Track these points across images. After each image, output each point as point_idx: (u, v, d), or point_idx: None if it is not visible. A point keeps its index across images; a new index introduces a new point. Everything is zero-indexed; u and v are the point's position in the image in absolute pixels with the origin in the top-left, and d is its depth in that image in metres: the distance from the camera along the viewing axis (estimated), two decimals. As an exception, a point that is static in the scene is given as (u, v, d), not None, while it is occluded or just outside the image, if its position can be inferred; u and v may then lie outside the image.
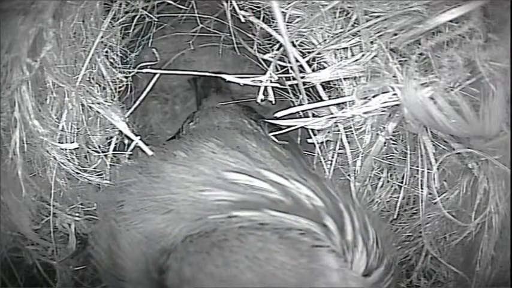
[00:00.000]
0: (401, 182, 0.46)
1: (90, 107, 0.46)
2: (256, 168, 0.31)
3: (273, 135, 0.47)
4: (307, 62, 0.44)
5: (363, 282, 0.27)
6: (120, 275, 0.30)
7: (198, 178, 0.30)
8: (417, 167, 0.43)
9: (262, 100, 0.47)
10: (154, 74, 0.52)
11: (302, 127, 0.46)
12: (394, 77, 0.39)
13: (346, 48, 0.43)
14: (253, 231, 0.26)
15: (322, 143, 0.48)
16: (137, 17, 0.51)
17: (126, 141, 0.50)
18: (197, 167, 0.31)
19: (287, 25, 0.42)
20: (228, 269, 0.24)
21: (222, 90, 0.62)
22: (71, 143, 0.45)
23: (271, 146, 0.38)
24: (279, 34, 0.42)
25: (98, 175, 0.47)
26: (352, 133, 0.44)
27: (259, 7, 0.44)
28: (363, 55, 0.41)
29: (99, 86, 0.48)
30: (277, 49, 0.45)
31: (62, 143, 0.44)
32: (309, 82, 0.43)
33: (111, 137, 0.50)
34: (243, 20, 0.46)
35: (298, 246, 0.25)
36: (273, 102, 0.47)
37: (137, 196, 0.32)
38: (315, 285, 0.24)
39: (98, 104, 0.47)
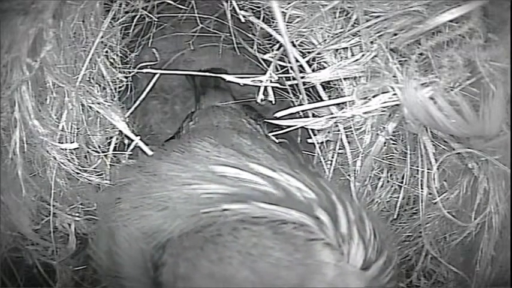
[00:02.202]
0: (401, 182, 0.46)
1: (90, 107, 0.46)
2: (246, 162, 0.30)
3: (272, 135, 0.47)
4: (307, 62, 0.44)
5: (362, 276, 0.26)
6: (119, 273, 0.30)
7: (190, 174, 0.30)
8: (417, 167, 0.43)
9: (262, 100, 0.47)
10: (154, 74, 0.52)
11: (302, 127, 0.46)
12: (394, 77, 0.39)
13: (346, 48, 0.43)
14: (247, 225, 0.25)
15: (322, 143, 0.48)
16: (137, 17, 0.51)
17: (126, 141, 0.50)
18: (190, 164, 0.31)
19: (287, 25, 0.42)
20: (222, 265, 0.24)
21: (220, 88, 0.62)
22: (71, 143, 0.45)
23: (267, 144, 0.38)
24: (279, 34, 0.42)
25: (98, 175, 0.47)
26: (352, 133, 0.44)
27: (259, 7, 0.44)
28: (363, 55, 0.41)
29: (99, 86, 0.48)
30: (277, 49, 0.45)
31: (62, 143, 0.44)
32: (309, 82, 0.43)
33: (111, 137, 0.50)
34: (243, 20, 0.46)
35: (293, 241, 0.25)
36: (273, 102, 0.47)
37: (135, 194, 0.32)
38: (311, 282, 0.24)
39: (98, 104, 0.47)
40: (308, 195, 0.28)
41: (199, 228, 0.26)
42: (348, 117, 0.43)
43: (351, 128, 0.44)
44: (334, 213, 0.27)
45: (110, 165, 0.49)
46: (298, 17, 0.43)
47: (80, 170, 0.45)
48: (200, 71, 0.55)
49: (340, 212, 0.28)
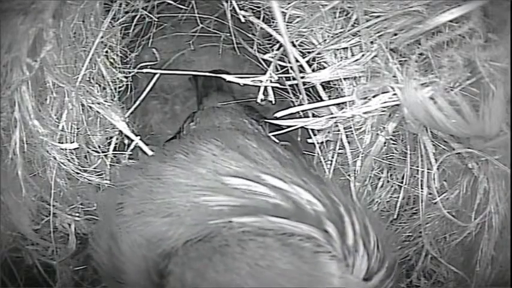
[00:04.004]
0: (401, 182, 0.46)
1: (90, 107, 0.46)
2: (257, 172, 0.30)
3: (273, 135, 0.47)
4: (307, 62, 0.44)
5: (364, 286, 0.27)
6: (121, 278, 0.30)
7: (198, 182, 0.30)
8: (417, 167, 0.43)
9: (262, 100, 0.47)
10: (154, 74, 0.52)
11: (302, 127, 0.46)
12: (394, 77, 0.39)
13: (346, 48, 0.43)
14: (255, 237, 0.25)
15: (322, 143, 0.48)
16: (137, 17, 0.51)
17: (126, 141, 0.50)
18: (197, 170, 0.31)
19: (287, 25, 0.42)
20: (230, 276, 0.24)
21: (223, 89, 0.62)
22: (71, 143, 0.45)
23: (273, 147, 0.38)
24: (279, 34, 0.42)
25: (98, 175, 0.47)
26: (352, 133, 0.44)
27: (259, 7, 0.44)
28: (363, 55, 0.41)
29: (99, 86, 0.48)
30: (277, 49, 0.45)
31: (62, 143, 0.44)
32: (309, 82, 0.43)
33: (111, 137, 0.50)
34: (243, 20, 0.46)
35: (300, 253, 0.25)
36: (273, 102, 0.47)
37: (137, 199, 0.32)
38: None
39: (98, 104, 0.47)
40: (317, 208, 0.28)
41: (205, 238, 0.26)
42: (348, 117, 0.43)
43: (351, 128, 0.44)
44: (342, 226, 0.28)
45: (110, 165, 0.49)
46: (298, 17, 0.43)
47: (80, 170, 0.45)
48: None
49: (347, 224, 0.28)
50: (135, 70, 0.51)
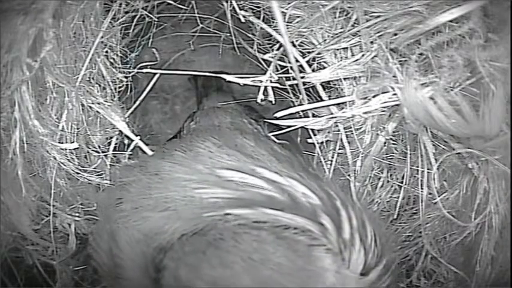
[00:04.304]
0: (401, 182, 0.46)
1: (90, 107, 0.46)
2: (252, 166, 0.30)
3: (273, 135, 0.47)
4: (307, 62, 0.44)
5: (361, 281, 0.26)
6: (120, 275, 0.30)
7: (194, 176, 0.30)
8: (417, 167, 0.43)
9: (262, 100, 0.47)
10: (154, 74, 0.53)
11: (302, 127, 0.46)
12: (394, 77, 0.39)
13: (346, 48, 0.43)
14: (249, 230, 0.25)
15: (322, 143, 0.48)
16: (137, 17, 0.51)
17: (126, 141, 0.50)
18: (194, 165, 0.31)
19: (287, 25, 0.42)
20: (224, 270, 0.24)
21: (223, 90, 0.62)
22: (71, 143, 0.45)
23: (271, 146, 0.38)
24: (279, 34, 0.42)
25: (98, 175, 0.47)
26: (352, 133, 0.44)
27: (259, 7, 0.44)
28: (363, 55, 0.41)
29: (99, 86, 0.48)
30: (277, 49, 0.45)
31: (62, 143, 0.44)
32: (309, 82, 0.43)
33: (111, 137, 0.50)
34: (243, 20, 0.46)
35: (295, 247, 0.25)
36: (273, 102, 0.47)
37: (136, 194, 0.32)
38: None
39: (98, 104, 0.47)
40: (313, 201, 0.28)
41: (200, 231, 0.26)
42: (348, 117, 0.43)
43: (351, 128, 0.44)
44: (338, 219, 0.28)
45: (110, 165, 0.49)
46: (298, 17, 0.43)
47: (80, 170, 0.45)
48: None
49: (343, 218, 0.28)
50: (135, 70, 0.51)
